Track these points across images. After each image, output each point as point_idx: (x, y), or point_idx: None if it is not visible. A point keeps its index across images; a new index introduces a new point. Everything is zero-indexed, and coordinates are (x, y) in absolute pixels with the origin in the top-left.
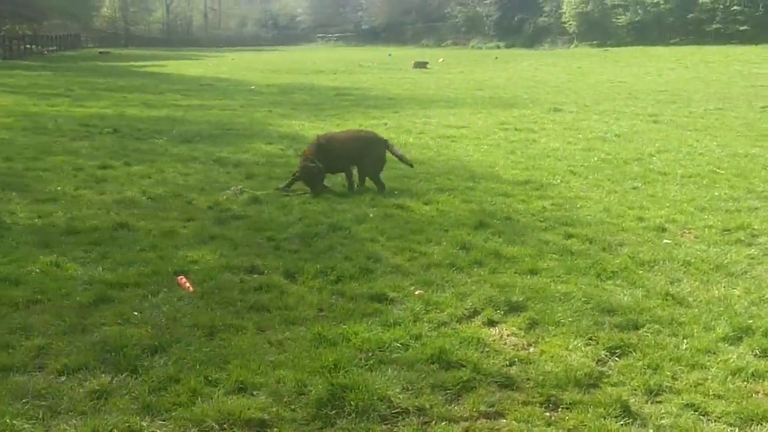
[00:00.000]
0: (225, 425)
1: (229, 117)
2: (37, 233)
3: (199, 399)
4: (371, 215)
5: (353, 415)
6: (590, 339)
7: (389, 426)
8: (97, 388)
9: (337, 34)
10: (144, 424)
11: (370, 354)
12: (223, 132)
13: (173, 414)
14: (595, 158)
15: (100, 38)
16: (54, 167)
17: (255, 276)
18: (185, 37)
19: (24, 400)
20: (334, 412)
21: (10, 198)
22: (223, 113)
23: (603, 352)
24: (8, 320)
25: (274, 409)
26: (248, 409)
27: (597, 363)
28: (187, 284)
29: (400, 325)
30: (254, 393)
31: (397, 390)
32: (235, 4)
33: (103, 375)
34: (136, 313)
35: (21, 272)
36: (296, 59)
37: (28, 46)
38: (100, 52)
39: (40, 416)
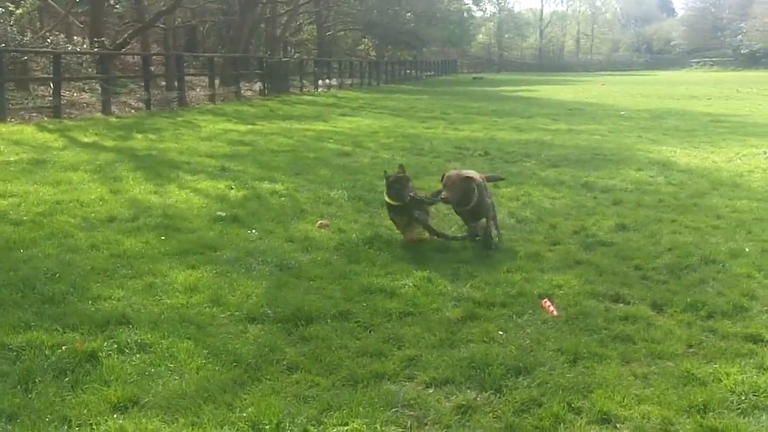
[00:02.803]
0: None
1: (598, 142)
2: (410, 249)
3: (562, 425)
4: (747, 249)
5: None
6: None
7: None
8: (463, 403)
9: (714, 59)
10: None
11: (742, 397)
12: (591, 157)
13: None
14: None
15: (475, 64)
16: (428, 188)
17: (620, 305)
18: (556, 62)
19: (394, 409)
20: None
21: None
22: (592, 138)
23: None
24: (382, 330)
25: None
26: None
27: None
28: (552, 308)
29: None
30: (617, 426)
31: None
32: (608, 29)
33: (469, 391)
34: (501, 333)
35: (396, 285)
36: (669, 83)
37: (408, 71)
38: (474, 77)
39: (408, 425)
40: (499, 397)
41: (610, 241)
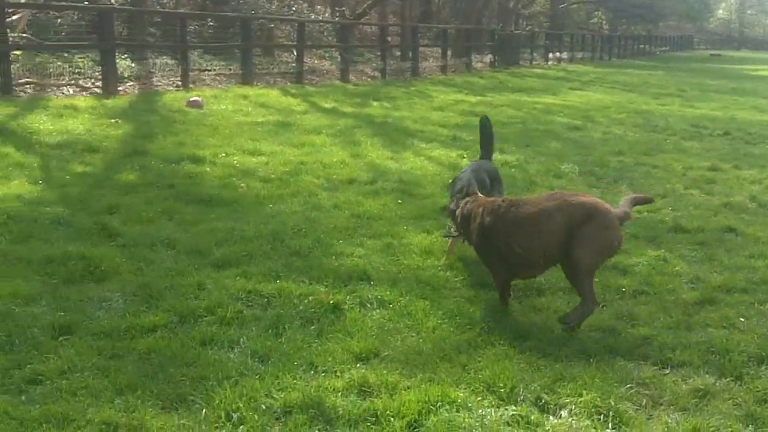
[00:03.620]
0: None
1: None
2: (645, 227)
3: None
4: None
5: None
6: None
7: None
8: (701, 387)
9: None
10: None
11: None
12: None
13: None
14: None
15: (712, 40)
16: (663, 165)
17: None
18: None
19: (628, 385)
20: None
21: (620, 191)
22: None
23: None
24: (616, 306)
25: None
26: None
27: None
28: None
29: None
30: None
31: None
32: None
33: (707, 375)
34: (742, 320)
35: (629, 263)
36: None
37: (641, 46)
38: (711, 54)
39: (643, 404)
40: (740, 385)
41: None
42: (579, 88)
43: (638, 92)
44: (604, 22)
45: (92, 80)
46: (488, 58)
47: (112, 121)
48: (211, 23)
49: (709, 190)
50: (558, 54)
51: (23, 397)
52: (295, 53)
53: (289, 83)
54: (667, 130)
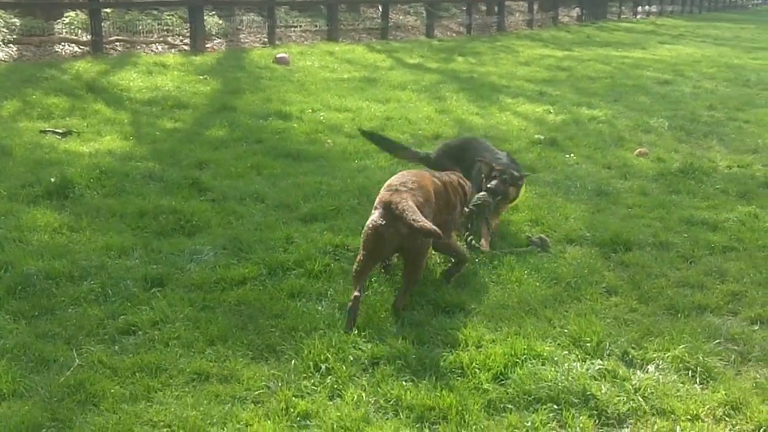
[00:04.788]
0: None
1: None
2: (735, 182)
3: None
4: None
5: None
6: None
7: None
8: None
9: None
10: None
11: None
12: None
13: None
14: None
15: None
16: (755, 120)
17: None
18: None
19: (717, 341)
20: None
21: (711, 146)
22: None
23: None
24: (705, 262)
25: None
26: None
27: None
28: None
29: None
30: None
31: None
32: None
33: None
34: None
35: (719, 218)
36: None
37: None
38: None
39: (732, 359)
40: None
41: None
42: (668, 42)
43: (730, 46)
44: None
45: (181, 37)
46: (575, 12)
47: (201, 77)
48: None
49: None
50: (647, 7)
51: (117, 347)
52: (381, 9)
53: (374, 39)
54: (759, 84)
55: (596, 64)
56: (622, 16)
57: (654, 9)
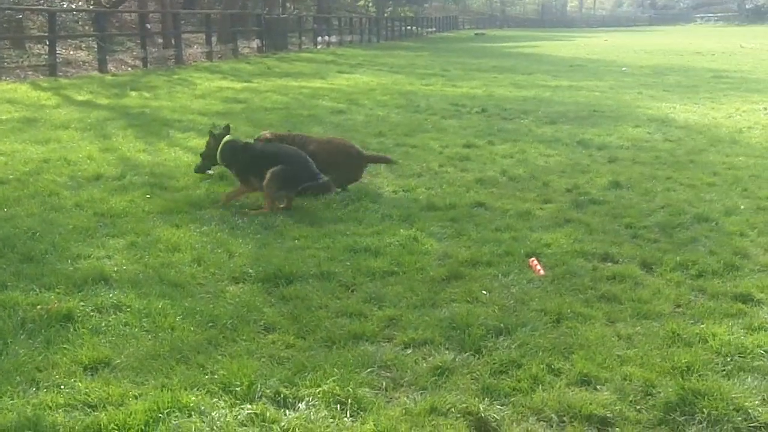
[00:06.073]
0: (564, 418)
1: (597, 98)
2: (399, 207)
3: (540, 387)
4: (742, 207)
5: (704, 423)
6: None
7: None
8: (440, 364)
9: (718, 14)
10: (482, 406)
11: (728, 359)
12: (589, 114)
13: (512, 399)
14: None
15: (477, 20)
16: (422, 144)
17: (609, 264)
18: (559, 18)
19: (370, 369)
20: (683, 418)
21: (379, 172)
22: (591, 95)
23: None
24: (365, 289)
25: (617, 408)
26: (590, 404)
27: None
28: (538, 267)
29: (765, 330)
30: (597, 387)
31: (756, 402)
32: None
33: (447, 352)
34: (485, 293)
35: (381, 243)
36: (672, 40)
37: (409, 27)
38: (475, 33)
39: (383, 386)
40: (478, 358)
41: (602, 199)
42: (347, 71)
43: (404, 73)
44: (370, 4)
45: None
46: (256, 43)
47: None
48: None
49: (463, 167)
50: (327, 38)
51: None
52: (48, 44)
53: (41, 76)
54: (428, 110)
55: (274, 95)
56: (303, 47)
57: (334, 39)
